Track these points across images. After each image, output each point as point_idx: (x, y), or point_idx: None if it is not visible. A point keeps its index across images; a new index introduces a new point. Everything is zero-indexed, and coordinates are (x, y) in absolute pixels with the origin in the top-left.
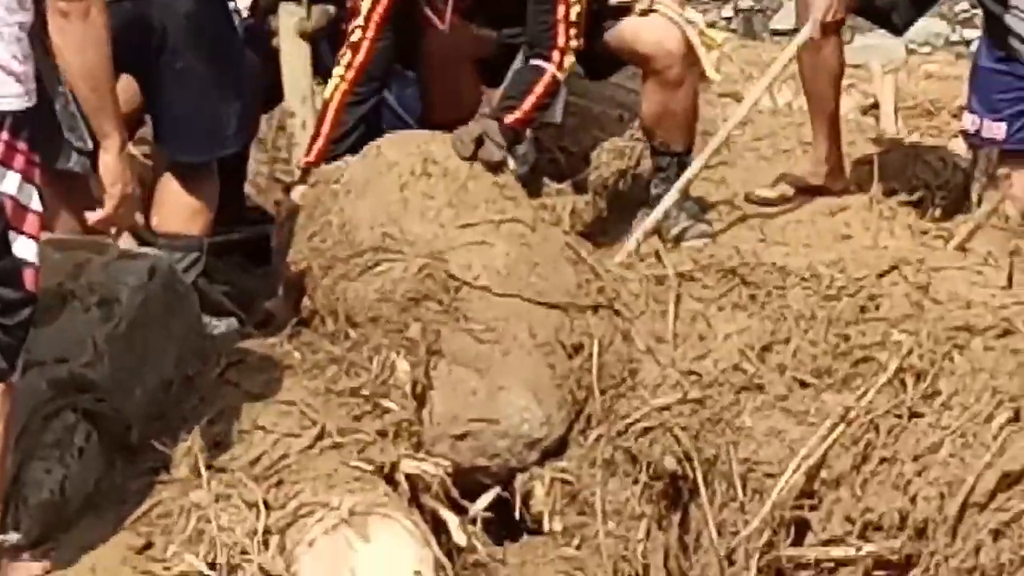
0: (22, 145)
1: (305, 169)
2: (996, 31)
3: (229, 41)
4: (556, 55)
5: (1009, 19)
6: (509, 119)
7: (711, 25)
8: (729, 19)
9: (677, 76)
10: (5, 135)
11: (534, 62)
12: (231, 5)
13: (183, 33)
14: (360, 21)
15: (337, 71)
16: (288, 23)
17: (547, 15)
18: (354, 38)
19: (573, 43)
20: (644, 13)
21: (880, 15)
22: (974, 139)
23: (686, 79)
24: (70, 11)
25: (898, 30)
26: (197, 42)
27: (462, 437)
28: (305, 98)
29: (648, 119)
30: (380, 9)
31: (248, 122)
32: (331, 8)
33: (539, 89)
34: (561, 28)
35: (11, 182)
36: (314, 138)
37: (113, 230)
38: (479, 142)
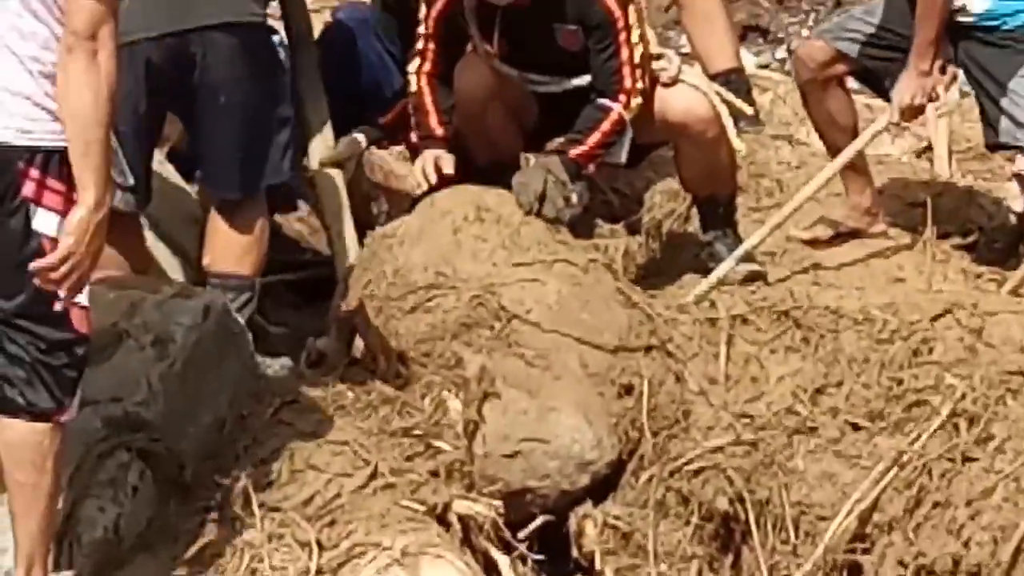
0: (55, 183)
1: (422, 139)
2: None
3: (273, 73)
4: (623, 97)
5: None
6: (573, 153)
7: (764, 67)
8: (783, 61)
9: (713, 137)
10: (35, 172)
11: (601, 101)
12: (276, 38)
13: (225, 67)
14: (421, 29)
15: (411, 68)
16: (318, 150)
17: (611, 60)
18: (419, 45)
19: (639, 84)
20: (670, 84)
21: (875, 80)
22: None
23: (721, 134)
24: (75, 48)
25: (888, 96)
26: (239, 76)
27: (512, 456)
28: (337, 214)
29: (692, 182)
30: (435, 14)
31: (295, 153)
32: (360, 137)
33: (606, 127)
34: (627, 71)
35: (44, 220)
36: (422, 116)
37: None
38: (542, 198)
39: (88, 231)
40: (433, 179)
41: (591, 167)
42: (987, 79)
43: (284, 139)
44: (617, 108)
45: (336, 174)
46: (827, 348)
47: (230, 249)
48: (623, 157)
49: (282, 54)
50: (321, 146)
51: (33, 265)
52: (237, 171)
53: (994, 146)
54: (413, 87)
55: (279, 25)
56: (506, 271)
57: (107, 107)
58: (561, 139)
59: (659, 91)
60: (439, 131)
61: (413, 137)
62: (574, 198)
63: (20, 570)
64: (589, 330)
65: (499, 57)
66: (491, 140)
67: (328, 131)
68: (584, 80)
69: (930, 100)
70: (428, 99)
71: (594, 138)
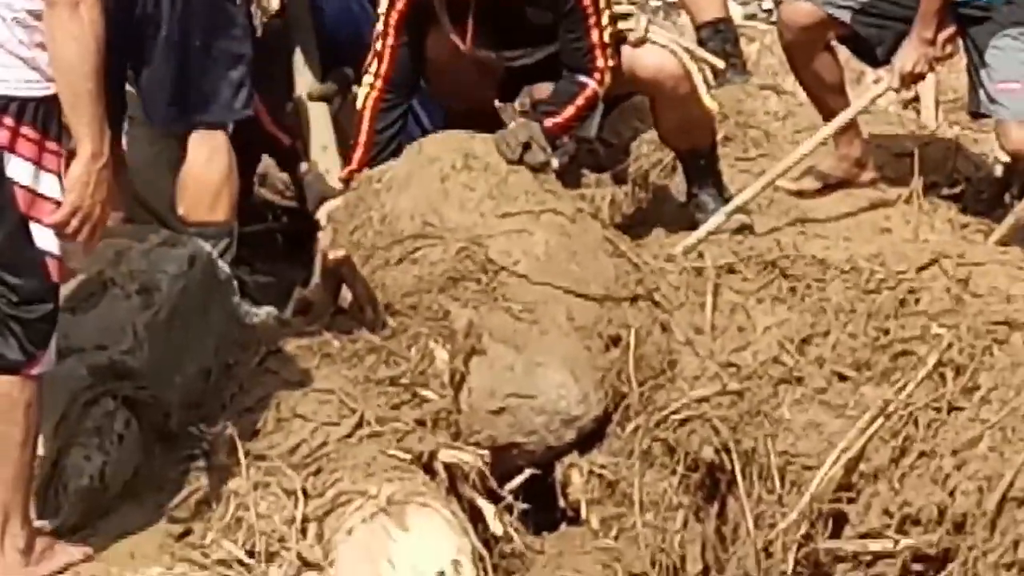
0: (29, 131)
1: (347, 180)
2: None
3: (221, 7)
4: (597, 75)
5: None
6: (548, 124)
7: (751, 18)
8: (769, 11)
9: (686, 92)
10: (9, 120)
11: (578, 77)
12: None
13: (168, 2)
14: (380, 27)
15: (366, 80)
16: (305, 84)
17: (581, 42)
18: (378, 46)
19: (611, 62)
20: (638, 44)
21: (864, 47)
22: None
23: (694, 90)
24: (57, 2)
25: (877, 63)
26: (182, 8)
27: (498, 412)
28: (326, 147)
29: (669, 135)
30: (395, 15)
31: (248, 93)
32: (348, 71)
33: (580, 101)
34: (598, 52)
35: (19, 169)
36: (353, 147)
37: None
38: (526, 146)
39: (90, 183)
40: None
41: (564, 138)
42: (972, 49)
43: (237, 76)
44: (592, 84)
45: (323, 108)
46: (813, 298)
47: (200, 197)
48: (593, 131)
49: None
50: (309, 80)
51: (47, 221)
52: (179, 104)
53: (974, 114)
54: (359, 104)
55: None
56: (493, 221)
57: (94, 58)
58: (536, 106)
59: (628, 50)
60: (353, 166)
61: (343, 172)
62: (554, 160)
63: (2, 520)
64: (577, 281)
65: (474, 44)
66: (463, 92)
67: (316, 65)
68: (555, 46)
69: (931, 69)
70: (365, 127)
71: (568, 111)
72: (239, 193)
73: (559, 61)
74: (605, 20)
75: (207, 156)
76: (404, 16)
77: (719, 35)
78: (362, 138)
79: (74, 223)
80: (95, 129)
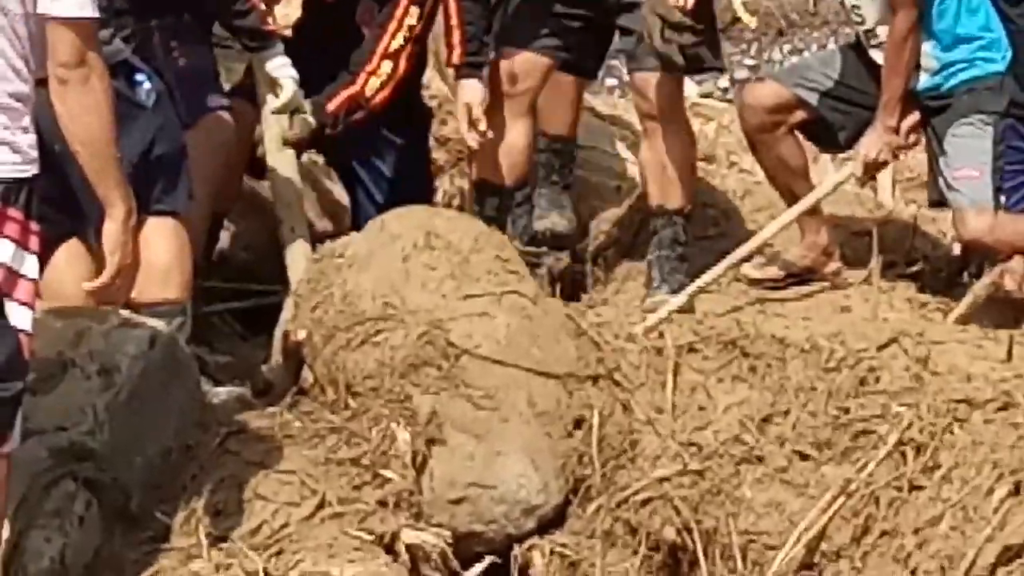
0: (15, 212)
1: (458, 66)
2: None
3: (133, 118)
4: (363, 76)
5: None
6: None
7: (707, 96)
8: (725, 90)
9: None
10: (17, 204)
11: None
12: (138, 76)
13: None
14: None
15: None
16: (272, 132)
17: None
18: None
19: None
20: None
21: (824, 131)
22: None
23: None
24: (68, 79)
25: (838, 148)
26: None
27: (459, 502)
28: (291, 204)
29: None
30: None
31: (187, 183)
32: (310, 118)
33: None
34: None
35: (2, 249)
36: (449, 44)
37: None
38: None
39: (128, 241)
40: (480, 127)
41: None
42: (933, 138)
43: (167, 174)
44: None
45: (290, 158)
46: (774, 377)
47: (150, 276)
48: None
49: (142, 94)
50: (275, 128)
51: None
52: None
53: (934, 203)
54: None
55: None
56: (455, 303)
57: (111, 125)
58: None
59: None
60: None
61: (455, 58)
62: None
63: None
64: (538, 363)
65: None
66: None
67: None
68: None
69: (895, 157)
70: (455, 21)
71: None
72: (194, 274)
73: None
74: (402, 30)
75: (156, 239)
76: None
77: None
78: (456, 35)
79: (117, 281)
80: (123, 191)
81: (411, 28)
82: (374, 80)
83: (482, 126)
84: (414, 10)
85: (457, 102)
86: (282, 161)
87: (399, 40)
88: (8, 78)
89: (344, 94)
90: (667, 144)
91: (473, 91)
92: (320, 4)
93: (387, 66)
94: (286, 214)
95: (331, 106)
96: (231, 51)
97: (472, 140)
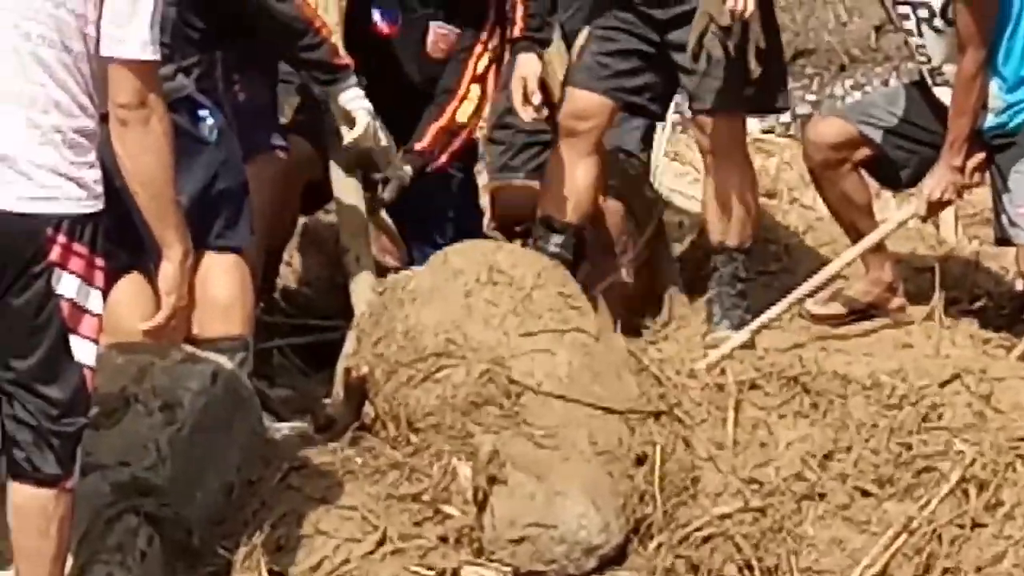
0: (80, 248)
1: (515, 41)
2: None
3: (194, 153)
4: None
5: None
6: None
7: (768, 132)
8: (787, 125)
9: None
10: (62, 238)
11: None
12: (201, 112)
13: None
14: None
15: None
16: (340, 162)
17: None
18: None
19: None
20: None
21: (887, 170)
22: None
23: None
24: (129, 120)
25: (899, 186)
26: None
27: (519, 541)
28: (357, 235)
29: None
30: None
31: (248, 218)
32: (404, 174)
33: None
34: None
35: (67, 284)
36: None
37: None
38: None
39: (182, 283)
40: (535, 101)
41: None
42: (997, 175)
43: (228, 210)
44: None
45: (356, 188)
46: (835, 413)
47: (212, 312)
48: None
49: (205, 130)
50: (343, 157)
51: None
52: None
53: (1000, 240)
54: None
55: None
56: (517, 340)
57: (170, 166)
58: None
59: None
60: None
61: (516, 31)
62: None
63: None
64: (599, 401)
65: None
66: None
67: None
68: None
69: (959, 196)
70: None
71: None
72: (254, 309)
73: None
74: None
75: (218, 274)
76: None
77: None
78: (520, 9)
79: (172, 321)
80: (181, 232)
81: (495, 49)
82: (466, 105)
83: (536, 99)
84: (497, 31)
85: (514, 76)
86: (348, 191)
87: (484, 61)
88: (74, 114)
89: (434, 127)
90: (728, 181)
91: (530, 65)
92: (372, 38)
93: (476, 90)
94: (352, 244)
95: (423, 143)
96: (289, 85)
97: (527, 114)
